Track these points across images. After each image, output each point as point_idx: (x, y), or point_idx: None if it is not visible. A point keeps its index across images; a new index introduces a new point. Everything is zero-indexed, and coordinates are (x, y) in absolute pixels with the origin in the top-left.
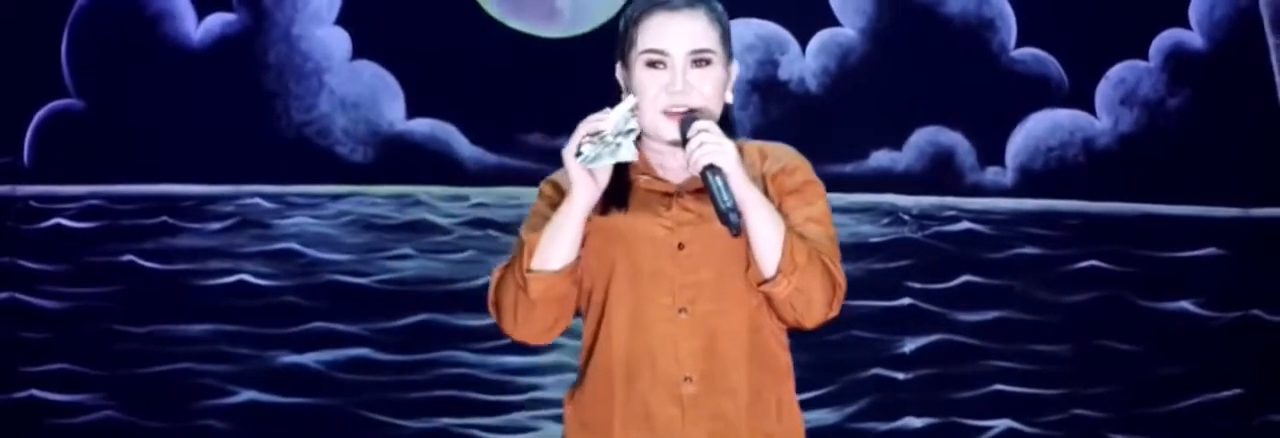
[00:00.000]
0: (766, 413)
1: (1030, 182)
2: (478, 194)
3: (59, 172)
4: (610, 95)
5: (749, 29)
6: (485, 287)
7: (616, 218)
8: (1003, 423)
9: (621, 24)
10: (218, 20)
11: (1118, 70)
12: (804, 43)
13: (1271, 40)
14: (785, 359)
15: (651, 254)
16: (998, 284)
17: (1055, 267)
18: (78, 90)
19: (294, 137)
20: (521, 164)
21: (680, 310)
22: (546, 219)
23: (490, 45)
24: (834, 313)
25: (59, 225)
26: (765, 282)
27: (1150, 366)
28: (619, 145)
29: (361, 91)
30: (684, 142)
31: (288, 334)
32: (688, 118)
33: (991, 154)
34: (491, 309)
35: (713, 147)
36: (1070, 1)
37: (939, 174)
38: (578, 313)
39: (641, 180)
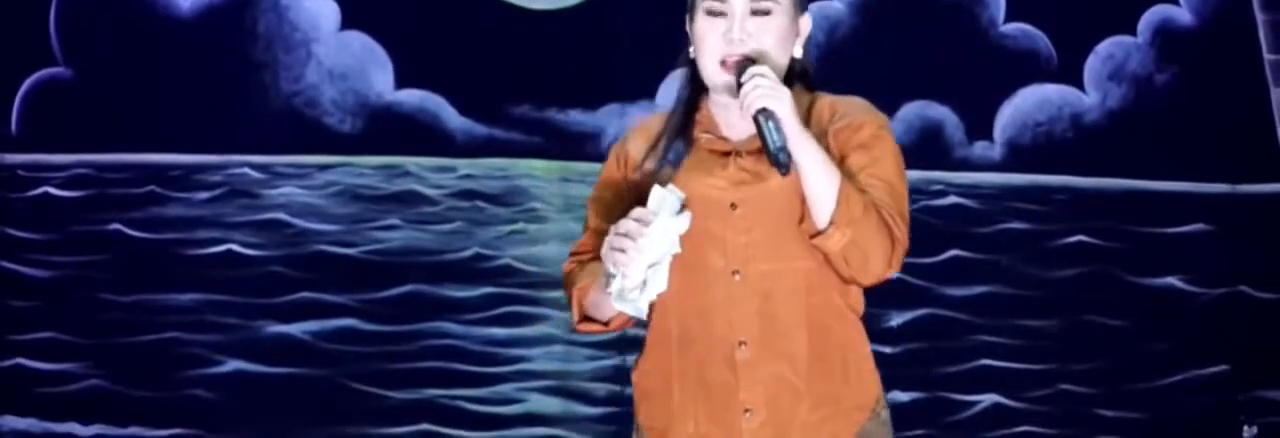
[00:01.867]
0: (830, 375)
1: (1018, 156)
2: (466, 166)
3: (47, 140)
4: (598, 67)
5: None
6: (474, 258)
7: (676, 179)
8: (989, 398)
9: None
10: None
11: (1106, 46)
12: None
13: (1260, 17)
14: (851, 319)
15: (704, 215)
16: (985, 259)
17: (1043, 242)
18: (66, 59)
19: (282, 107)
20: (510, 136)
21: (733, 272)
22: (606, 206)
23: (479, 17)
24: (893, 270)
25: (47, 194)
26: (818, 234)
27: (1137, 341)
28: (645, 283)
29: (350, 62)
30: (738, 88)
31: (275, 304)
32: (743, 63)
33: (980, 129)
34: (566, 293)
35: (766, 90)
36: None
37: (927, 148)
38: None
39: (703, 139)
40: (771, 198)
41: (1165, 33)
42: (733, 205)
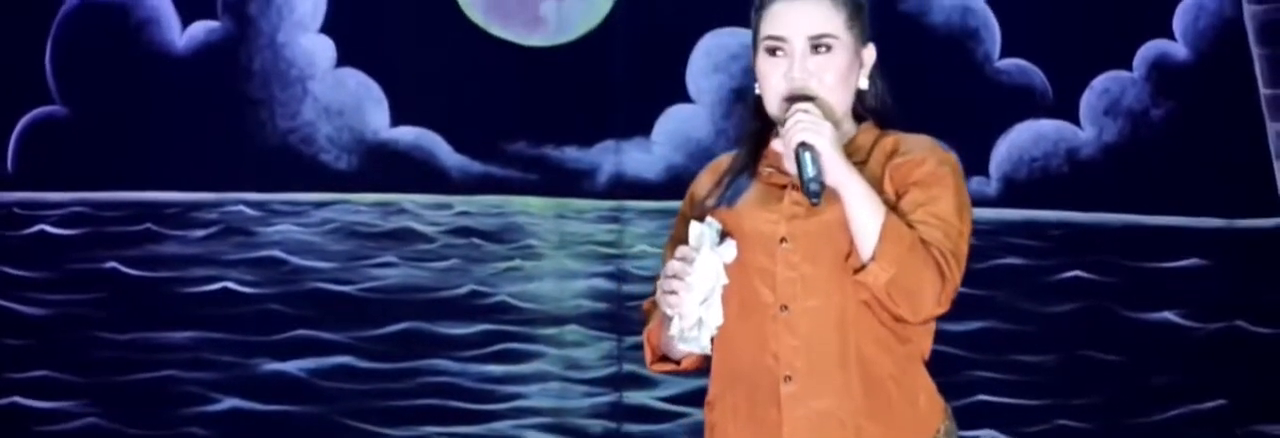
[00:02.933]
0: (880, 411)
1: (1014, 192)
2: (461, 203)
3: (43, 178)
4: (594, 104)
5: (734, 38)
6: (470, 295)
7: (730, 213)
8: (987, 433)
9: (752, 12)
10: (202, 27)
11: (1102, 81)
12: None
13: (1256, 51)
14: (902, 352)
15: (756, 249)
16: (982, 294)
17: (1039, 277)
18: (62, 97)
19: (278, 144)
20: (505, 173)
21: (782, 307)
22: (677, 244)
23: (475, 54)
24: (942, 309)
25: (43, 232)
26: (861, 269)
27: (1134, 376)
28: (701, 321)
29: (346, 99)
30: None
31: (271, 342)
32: (792, 99)
33: (976, 164)
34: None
35: (806, 125)
36: (1055, 12)
37: None
38: None
39: (765, 172)
40: (822, 233)
41: (1161, 67)
42: (783, 239)
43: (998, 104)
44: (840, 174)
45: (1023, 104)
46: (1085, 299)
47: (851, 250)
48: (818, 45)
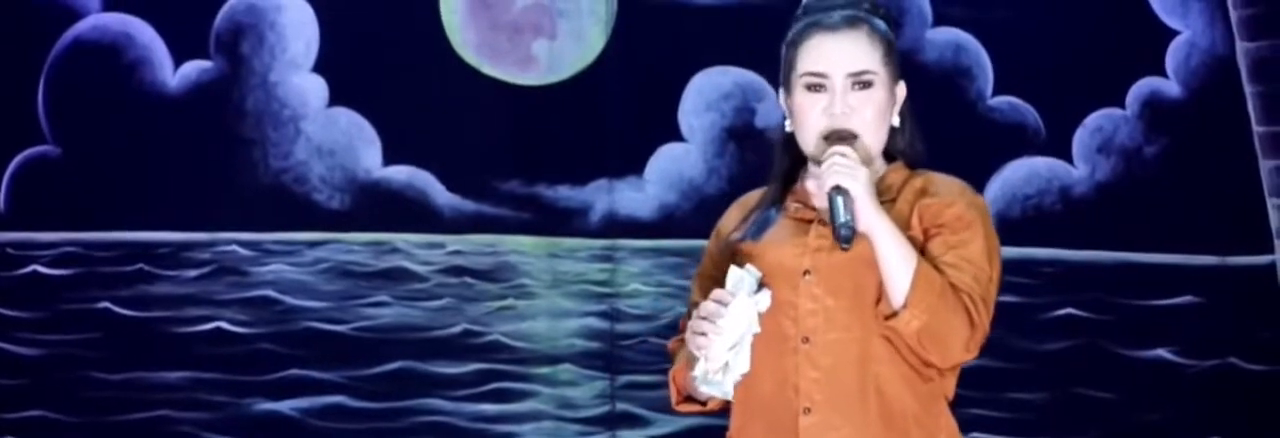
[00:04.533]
0: None
1: (1007, 230)
2: (454, 242)
3: (35, 218)
4: (586, 143)
5: (726, 77)
6: (463, 334)
7: (755, 246)
8: None
9: (782, 47)
10: (194, 67)
11: (1095, 118)
12: None
13: (1249, 88)
14: (923, 390)
15: (780, 282)
16: None
17: (1032, 315)
18: (54, 137)
19: (271, 184)
20: (498, 212)
21: (803, 339)
22: (705, 281)
23: (467, 93)
24: (970, 356)
25: (35, 272)
26: (892, 316)
27: (1128, 413)
28: (727, 365)
29: (338, 139)
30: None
31: (264, 381)
32: (832, 137)
33: None
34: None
35: (842, 168)
36: (1047, 50)
37: None
38: None
39: (792, 208)
40: (846, 266)
41: (1154, 105)
42: (806, 272)
43: (990, 142)
44: (872, 220)
45: (1015, 142)
46: (1079, 337)
47: (880, 295)
48: (858, 82)
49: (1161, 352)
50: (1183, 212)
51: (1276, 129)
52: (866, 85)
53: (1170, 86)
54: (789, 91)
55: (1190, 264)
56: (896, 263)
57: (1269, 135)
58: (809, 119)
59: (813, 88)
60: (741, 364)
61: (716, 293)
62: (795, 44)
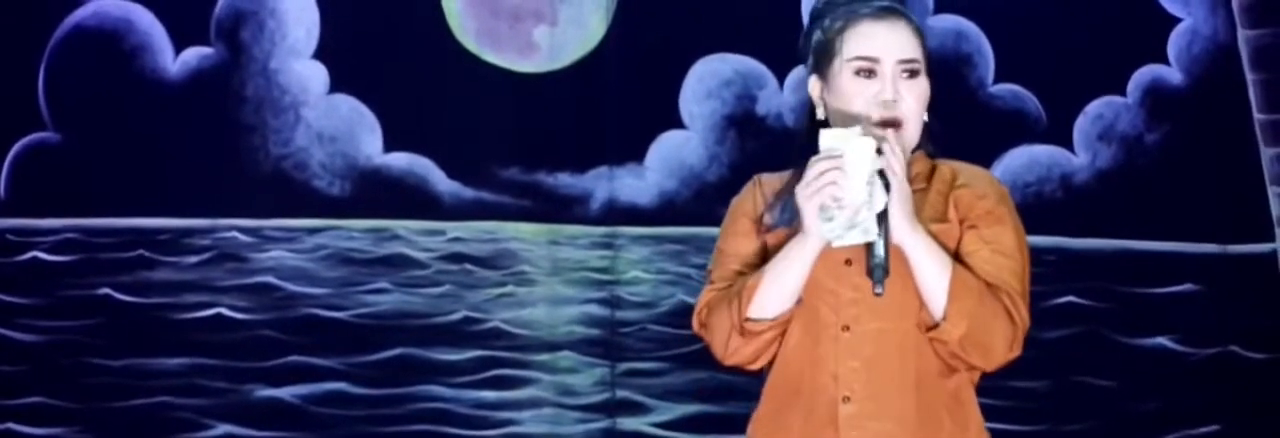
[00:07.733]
0: (937, 436)
1: None
2: (454, 229)
3: (36, 205)
4: (587, 130)
5: (727, 64)
6: (464, 321)
7: (793, 232)
8: None
9: (815, 36)
10: (195, 54)
11: (1096, 106)
12: (782, 78)
13: (1250, 76)
14: (959, 380)
15: (822, 270)
16: None
17: (1033, 303)
18: (55, 123)
19: (271, 170)
20: (498, 199)
21: (844, 328)
22: (748, 239)
23: (468, 80)
24: (1014, 354)
25: (35, 259)
26: (935, 327)
27: (1128, 401)
28: (871, 199)
29: (339, 125)
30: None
31: (264, 368)
32: (885, 124)
33: None
34: (699, 330)
35: (895, 191)
36: (1048, 37)
37: None
38: None
39: None
40: (889, 256)
41: (1155, 93)
42: (847, 261)
43: (991, 129)
44: (905, 234)
45: (1016, 129)
46: (1079, 325)
47: (922, 306)
48: (907, 69)
49: (1162, 340)
50: (1184, 200)
51: (1278, 117)
52: (914, 74)
53: (1172, 74)
54: (828, 78)
55: (1191, 252)
56: (933, 275)
57: (1270, 123)
58: (855, 105)
59: (863, 72)
60: (881, 199)
61: (825, 149)
62: (841, 30)
